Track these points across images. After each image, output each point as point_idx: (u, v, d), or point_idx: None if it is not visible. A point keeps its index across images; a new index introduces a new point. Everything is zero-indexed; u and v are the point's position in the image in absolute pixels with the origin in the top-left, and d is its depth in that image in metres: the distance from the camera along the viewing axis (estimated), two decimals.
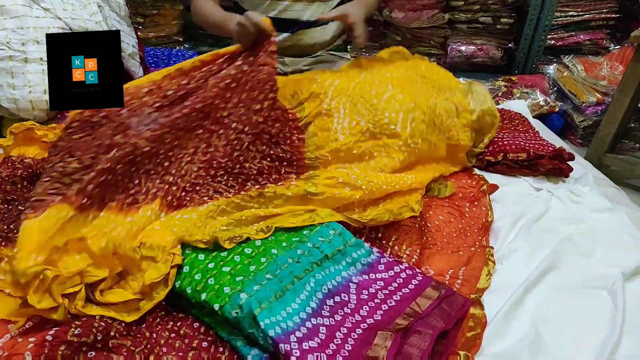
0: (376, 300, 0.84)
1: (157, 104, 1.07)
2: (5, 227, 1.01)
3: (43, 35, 1.57)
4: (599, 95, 2.39)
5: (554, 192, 1.29)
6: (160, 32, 2.88)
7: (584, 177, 1.38)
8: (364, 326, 0.77)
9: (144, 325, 0.82)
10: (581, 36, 2.72)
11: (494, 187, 1.29)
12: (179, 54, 2.54)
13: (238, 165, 1.10)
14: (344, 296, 0.84)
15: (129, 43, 1.94)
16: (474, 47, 2.79)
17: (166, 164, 1.06)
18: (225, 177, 1.08)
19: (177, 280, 0.85)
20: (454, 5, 2.74)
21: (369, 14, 1.42)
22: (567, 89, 2.51)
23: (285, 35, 1.27)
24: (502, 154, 1.39)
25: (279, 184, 1.09)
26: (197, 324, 0.82)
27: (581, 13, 2.67)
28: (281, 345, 0.70)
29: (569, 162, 1.39)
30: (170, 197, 1.03)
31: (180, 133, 1.08)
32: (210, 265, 0.87)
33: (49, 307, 0.76)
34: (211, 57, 1.18)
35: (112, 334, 0.77)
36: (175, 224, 0.98)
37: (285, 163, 1.14)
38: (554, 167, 1.36)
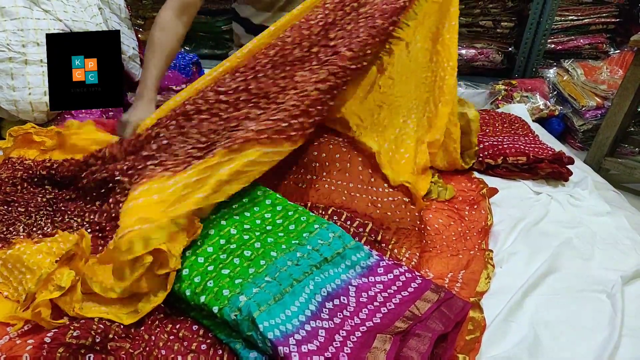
0: (375, 303, 0.84)
1: None
2: (5, 229, 1.01)
3: (43, 37, 1.57)
4: (598, 99, 2.40)
5: (554, 196, 1.29)
6: None
7: (583, 180, 1.38)
8: (363, 329, 0.77)
9: (142, 328, 0.82)
10: (581, 40, 2.72)
11: (493, 191, 1.30)
12: (179, 56, 2.53)
13: None
14: (343, 299, 0.84)
15: (129, 45, 1.94)
16: (474, 51, 2.80)
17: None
18: None
19: (177, 283, 0.85)
20: None
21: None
22: (567, 93, 2.51)
23: None
24: (502, 157, 1.40)
25: None
26: (196, 326, 0.82)
27: (581, 17, 2.68)
28: (280, 348, 0.70)
29: (569, 166, 1.39)
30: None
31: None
32: (210, 268, 0.87)
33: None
34: None
35: (110, 336, 0.77)
36: None
37: None
38: (553, 171, 1.37)
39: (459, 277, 0.98)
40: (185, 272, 0.86)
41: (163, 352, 0.76)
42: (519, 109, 1.98)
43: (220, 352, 0.77)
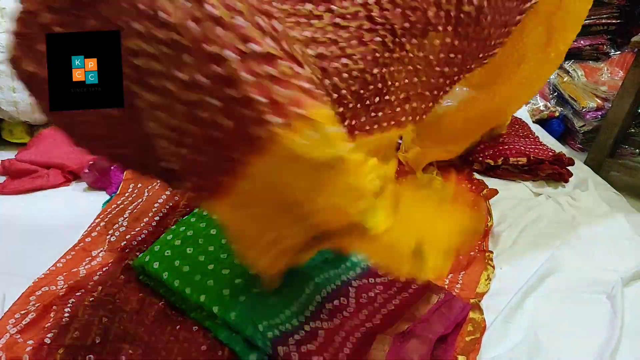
0: (375, 304, 0.84)
1: None
2: None
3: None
4: (599, 101, 2.39)
5: (554, 197, 1.29)
6: None
7: (583, 182, 1.38)
8: (362, 330, 0.77)
9: (142, 329, 0.82)
10: (581, 41, 2.71)
11: (493, 192, 1.29)
12: None
13: None
14: (343, 300, 0.84)
15: None
16: None
17: None
18: None
19: (177, 279, 0.84)
20: None
21: None
22: (567, 94, 2.51)
23: None
24: (502, 158, 1.40)
25: None
26: (196, 327, 0.82)
27: None
28: (279, 347, 0.70)
29: (569, 167, 1.39)
30: None
31: None
32: (210, 267, 0.87)
33: None
34: None
35: (110, 337, 0.77)
36: None
37: None
38: (553, 172, 1.37)
39: (459, 279, 0.98)
40: (186, 269, 0.86)
41: (163, 353, 0.76)
42: (519, 110, 1.98)
43: (220, 353, 0.76)
